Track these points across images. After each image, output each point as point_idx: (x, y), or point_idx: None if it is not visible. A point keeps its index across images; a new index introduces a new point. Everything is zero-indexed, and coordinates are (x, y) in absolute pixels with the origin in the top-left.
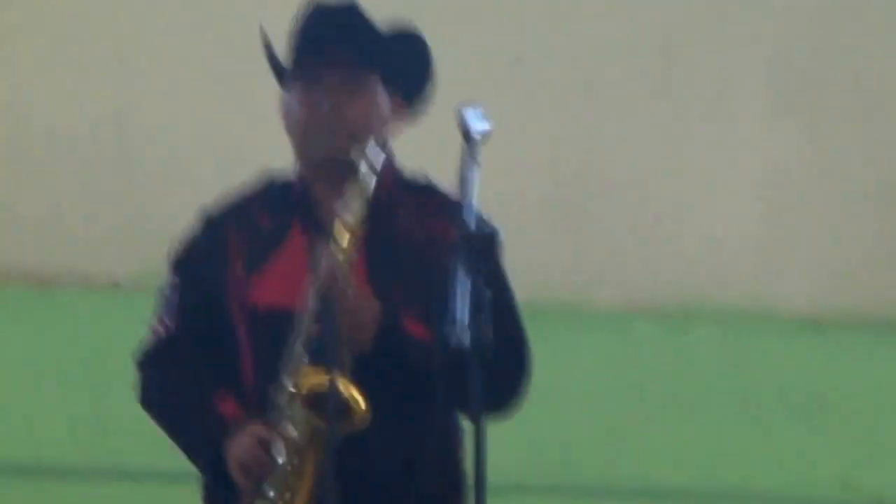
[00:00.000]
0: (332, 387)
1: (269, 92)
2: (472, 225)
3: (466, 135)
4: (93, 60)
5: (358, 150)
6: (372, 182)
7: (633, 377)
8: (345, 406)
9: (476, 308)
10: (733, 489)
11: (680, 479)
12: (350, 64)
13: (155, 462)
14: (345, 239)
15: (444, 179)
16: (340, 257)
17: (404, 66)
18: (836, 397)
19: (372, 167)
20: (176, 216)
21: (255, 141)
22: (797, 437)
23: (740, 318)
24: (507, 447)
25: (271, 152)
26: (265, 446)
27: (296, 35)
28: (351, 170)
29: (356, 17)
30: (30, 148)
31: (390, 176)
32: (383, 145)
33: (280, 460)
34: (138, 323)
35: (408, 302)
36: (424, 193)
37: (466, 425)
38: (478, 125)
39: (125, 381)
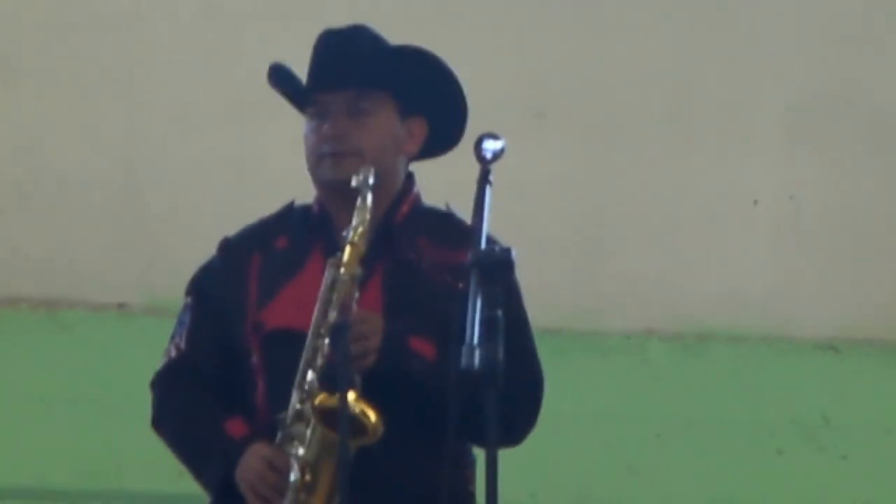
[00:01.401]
0: (344, 400)
1: (282, 131)
2: (483, 245)
3: (478, 152)
4: (104, 104)
5: (359, 173)
6: (369, 196)
7: (648, 399)
8: (356, 420)
9: (488, 329)
10: None
11: (693, 502)
12: (354, 87)
13: (163, 486)
14: (346, 253)
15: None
16: (342, 271)
17: (421, 87)
18: (852, 419)
19: (366, 182)
20: (185, 241)
21: (267, 175)
22: (812, 459)
23: (755, 341)
24: (519, 472)
25: (284, 191)
26: (275, 466)
27: (310, 62)
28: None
29: (362, 40)
30: (39, 191)
31: (409, 202)
32: (396, 169)
33: (292, 477)
34: (145, 344)
35: (420, 324)
36: (443, 221)
37: (479, 454)
38: (490, 144)
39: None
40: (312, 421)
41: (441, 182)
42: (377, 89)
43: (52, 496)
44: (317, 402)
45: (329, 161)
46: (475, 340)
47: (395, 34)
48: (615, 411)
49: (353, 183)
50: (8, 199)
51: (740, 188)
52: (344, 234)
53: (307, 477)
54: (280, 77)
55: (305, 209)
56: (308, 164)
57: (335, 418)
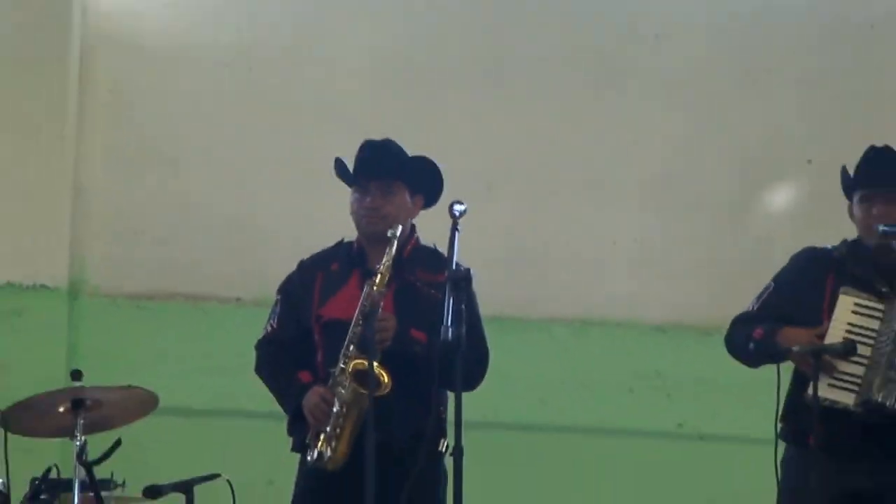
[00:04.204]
0: (372, 365)
1: (340, 196)
2: (454, 267)
3: (451, 212)
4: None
5: (391, 229)
6: (395, 245)
7: (549, 359)
8: (376, 378)
9: (456, 318)
10: None
11: None
12: (385, 177)
13: (265, 407)
14: (377, 278)
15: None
16: (376, 289)
17: (423, 179)
18: (681, 385)
19: (395, 236)
20: (282, 256)
21: (331, 220)
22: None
23: (614, 326)
24: (475, 401)
25: (341, 231)
26: (326, 400)
27: (356, 160)
28: (385, 239)
29: (391, 149)
30: (183, 223)
31: (412, 243)
32: (407, 225)
33: (335, 409)
34: (254, 327)
35: (416, 319)
36: (432, 255)
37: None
38: (458, 207)
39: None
40: (348, 376)
41: (432, 228)
42: (399, 180)
43: (186, 412)
44: (351, 365)
45: (366, 221)
46: (449, 323)
47: (395, 129)
48: (538, 368)
49: (389, 234)
50: (156, 227)
51: (604, 232)
52: (378, 266)
53: (343, 409)
54: (340, 168)
55: (350, 245)
56: (353, 220)
57: (363, 376)
